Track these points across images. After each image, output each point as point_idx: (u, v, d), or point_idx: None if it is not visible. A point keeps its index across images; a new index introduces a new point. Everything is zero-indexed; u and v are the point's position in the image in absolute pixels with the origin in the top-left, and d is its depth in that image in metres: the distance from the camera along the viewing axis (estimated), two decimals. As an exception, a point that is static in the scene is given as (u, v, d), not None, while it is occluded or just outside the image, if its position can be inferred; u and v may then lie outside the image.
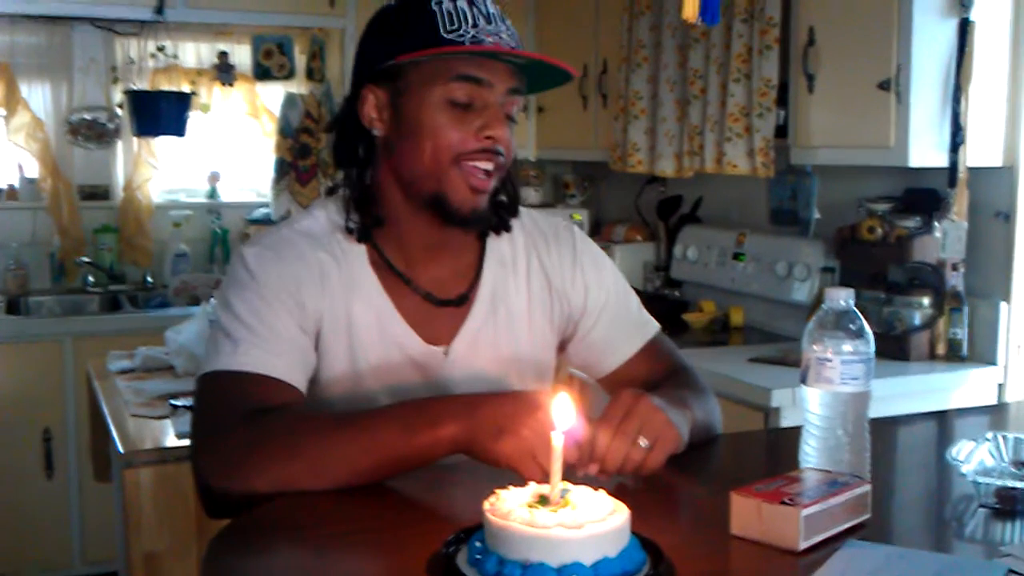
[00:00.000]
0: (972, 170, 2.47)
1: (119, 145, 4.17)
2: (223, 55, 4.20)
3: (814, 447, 1.17)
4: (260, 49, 4.21)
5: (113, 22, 4.01)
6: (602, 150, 3.67)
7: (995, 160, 2.50)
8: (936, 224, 2.54)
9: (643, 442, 1.15)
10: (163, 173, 4.21)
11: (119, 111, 4.11)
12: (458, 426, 1.14)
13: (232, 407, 1.21)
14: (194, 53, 4.22)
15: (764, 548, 1.00)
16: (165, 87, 4.09)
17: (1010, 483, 1.14)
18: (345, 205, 1.36)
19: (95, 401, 2.51)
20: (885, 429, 1.45)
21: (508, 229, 1.43)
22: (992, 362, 2.54)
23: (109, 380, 2.59)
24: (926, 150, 2.42)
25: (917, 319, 2.56)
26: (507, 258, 1.44)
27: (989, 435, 1.26)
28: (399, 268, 1.37)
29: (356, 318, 1.33)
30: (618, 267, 1.57)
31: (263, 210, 4.26)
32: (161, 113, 3.95)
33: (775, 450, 1.54)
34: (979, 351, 2.56)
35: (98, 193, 4.17)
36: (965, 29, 2.40)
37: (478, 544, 0.91)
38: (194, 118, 4.09)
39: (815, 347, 1.15)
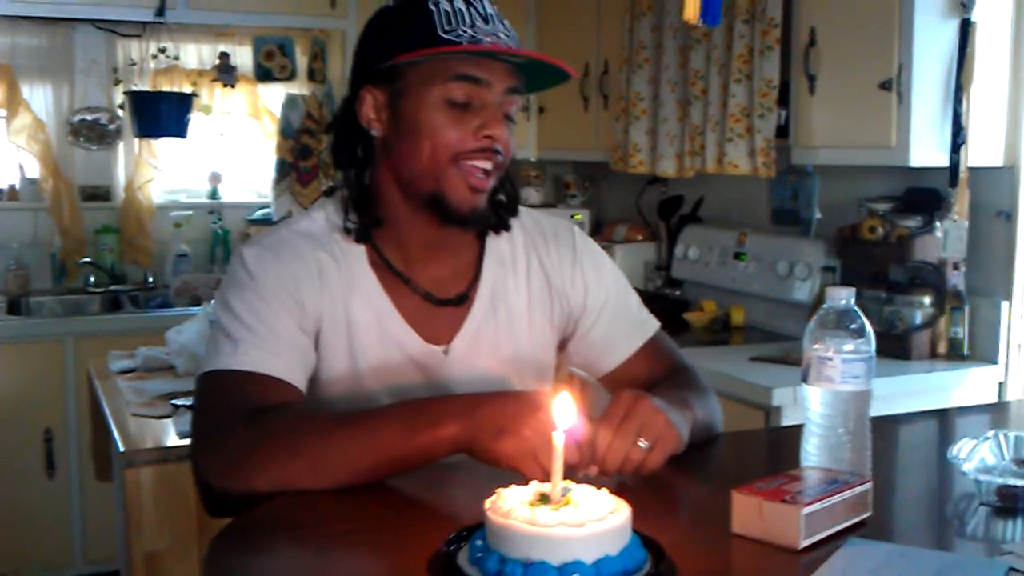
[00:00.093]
0: (973, 170, 2.47)
1: (120, 146, 4.18)
2: (224, 56, 4.19)
3: (815, 445, 1.17)
4: (261, 50, 4.21)
5: (114, 23, 4.02)
6: (603, 150, 3.66)
7: (996, 160, 2.50)
8: (937, 224, 2.54)
9: (643, 443, 1.15)
10: (164, 174, 4.21)
11: (120, 112, 4.12)
12: (459, 426, 1.14)
13: (232, 406, 1.21)
14: (195, 54, 4.23)
15: (765, 546, 1.00)
16: (166, 88, 4.09)
17: (1011, 481, 1.14)
18: (344, 205, 1.36)
19: (96, 401, 2.51)
20: (886, 427, 1.45)
21: (507, 228, 1.43)
22: (993, 361, 2.54)
23: (110, 380, 2.59)
24: (927, 150, 2.42)
25: (918, 318, 2.56)
26: (507, 257, 1.44)
27: (990, 433, 1.26)
28: (398, 268, 1.37)
29: (356, 318, 1.33)
30: (619, 267, 1.57)
31: (264, 211, 4.26)
32: (162, 114, 3.95)
33: (776, 449, 1.54)
34: (980, 350, 2.56)
35: (99, 194, 4.18)
36: (966, 29, 2.40)
37: (479, 543, 0.91)
38: (195, 119, 4.09)
39: (816, 346, 1.15)
